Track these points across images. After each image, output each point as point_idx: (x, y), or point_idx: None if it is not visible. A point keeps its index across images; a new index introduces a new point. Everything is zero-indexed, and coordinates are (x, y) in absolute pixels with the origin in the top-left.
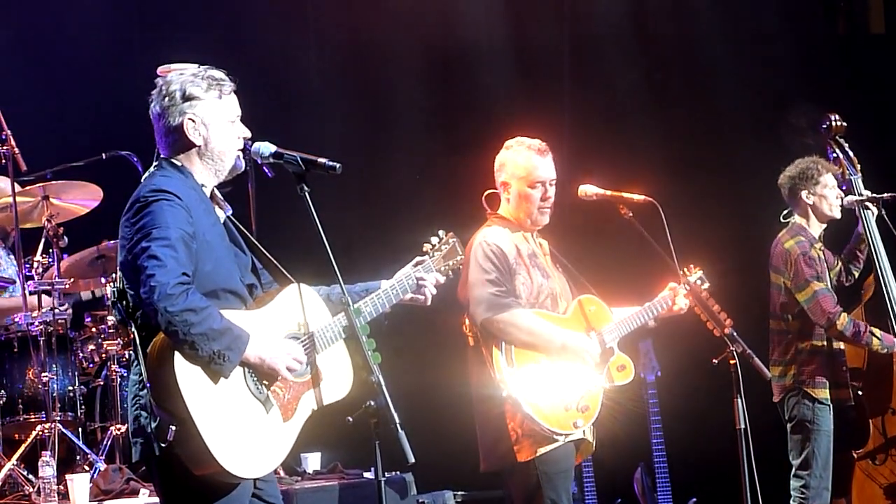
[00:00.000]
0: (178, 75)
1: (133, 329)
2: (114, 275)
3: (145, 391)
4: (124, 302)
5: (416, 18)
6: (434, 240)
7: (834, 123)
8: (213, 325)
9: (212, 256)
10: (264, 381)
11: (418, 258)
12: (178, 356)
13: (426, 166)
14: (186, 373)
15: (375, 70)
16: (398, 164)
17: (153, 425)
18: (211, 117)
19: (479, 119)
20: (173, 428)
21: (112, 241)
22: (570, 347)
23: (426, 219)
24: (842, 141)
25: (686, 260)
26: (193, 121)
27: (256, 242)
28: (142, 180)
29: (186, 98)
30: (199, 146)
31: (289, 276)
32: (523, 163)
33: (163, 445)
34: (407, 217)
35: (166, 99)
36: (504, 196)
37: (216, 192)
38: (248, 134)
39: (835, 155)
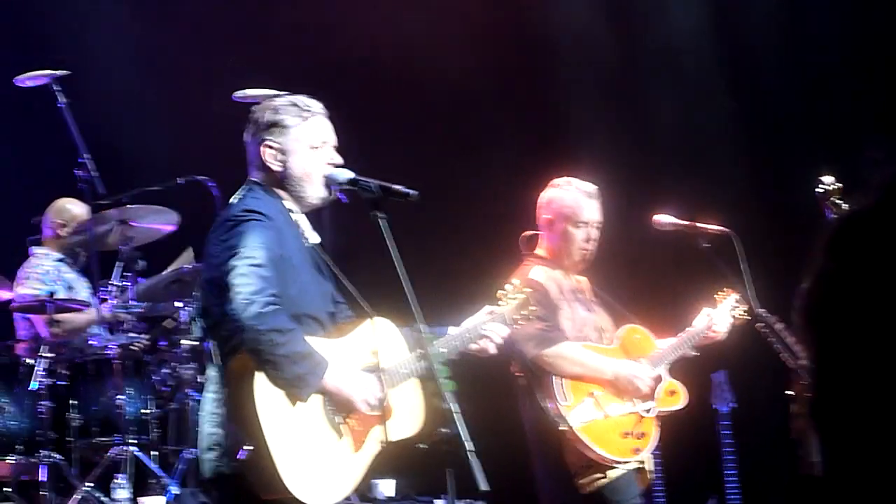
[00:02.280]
0: (268, 102)
1: (213, 346)
2: (194, 293)
3: (222, 409)
4: (206, 319)
5: (500, 38)
6: (508, 287)
7: (829, 188)
8: (297, 349)
9: (297, 280)
10: (339, 411)
11: (490, 307)
12: (258, 377)
13: (510, 198)
14: (265, 394)
15: (453, 90)
16: (481, 194)
17: (226, 443)
18: (291, 144)
19: (563, 149)
20: (246, 448)
21: (189, 266)
22: (622, 376)
23: (505, 252)
24: (840, 202)
25: (762, 292)
26: (272, 147)
27: (339, 273)
28: (231, 201)
29: (269, 125)
30: (279, 171)
31: (368, 308)
32: (571, 202)
33: (234, 464)
34: (488, 248)
35: (252, 126)
36: (546, 234)
37: (305, 218)
38: (339, 160)
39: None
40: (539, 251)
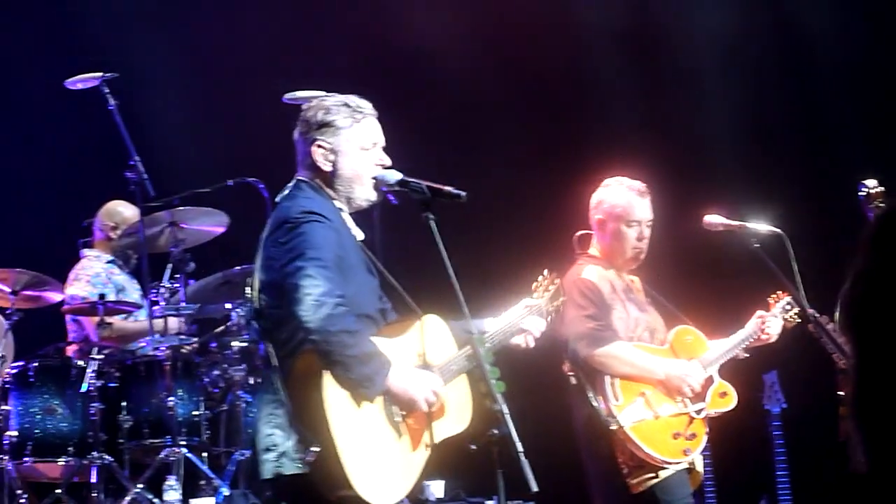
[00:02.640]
0: (320, 101)
1: (270, 349)
2: (247, 294)
3: (281, 410)
4: (263, 321)
5: (528, 38)
6: (540, 278)
7: (871, 191)
8: (365, 349)
9: (354, 280)
10: (401, 410)
11: (528, 300)
12: (326, 377)
13: (552, 196)
14: (333, 394)
15: (497, 89)
16: (521, 191)
17: (289, 444)
18: (341, 144)
19: (599, 149)
20: (314, 448)
21: (238, 268)
22: (673, 376)
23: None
24: (882, 205)
25: (812, 293)
26: (322, 147)
27: (384, 271)
28: (278, 200)
29: (320, 125)
30: (329, 171)
31: (414, 306)
32: (622, 202)
33: (298, 464)
34: (528, 245)
35: (302, 124)
36: (598, 234)
37: (349, 216)
38: (388, 161)
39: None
40: (592, 251)
